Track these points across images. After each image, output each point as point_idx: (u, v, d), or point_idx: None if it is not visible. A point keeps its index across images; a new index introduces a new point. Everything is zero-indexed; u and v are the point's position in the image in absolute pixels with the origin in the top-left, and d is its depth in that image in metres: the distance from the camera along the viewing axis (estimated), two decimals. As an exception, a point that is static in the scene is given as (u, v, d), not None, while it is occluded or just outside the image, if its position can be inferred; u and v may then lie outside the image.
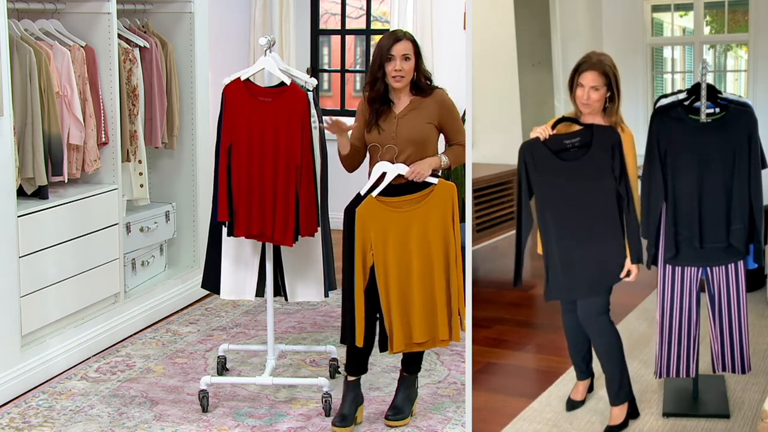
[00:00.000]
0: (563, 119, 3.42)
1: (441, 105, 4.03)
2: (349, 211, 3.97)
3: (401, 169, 3.95)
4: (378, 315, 3.98)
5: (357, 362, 4.07)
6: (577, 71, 3.38)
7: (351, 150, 4.06)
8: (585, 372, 3.56)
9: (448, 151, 4.08)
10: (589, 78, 3.36)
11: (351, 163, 4.11)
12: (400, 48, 3.92)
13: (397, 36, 3.96)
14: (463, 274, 3.93)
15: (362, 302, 3.94)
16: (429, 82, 4.04)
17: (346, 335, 4.03)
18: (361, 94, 4.14)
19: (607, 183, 3.38)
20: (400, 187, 3.96)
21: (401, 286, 3.95)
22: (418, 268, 3.95)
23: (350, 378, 4.10)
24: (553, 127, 3.40)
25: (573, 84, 3.40)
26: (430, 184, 3.98)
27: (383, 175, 3.96)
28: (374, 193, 3.95)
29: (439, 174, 4.05)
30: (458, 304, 3.97)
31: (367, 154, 4.12)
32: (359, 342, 3.95)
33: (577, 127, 3.40)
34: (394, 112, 4.00)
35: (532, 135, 3.41)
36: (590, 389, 3.58)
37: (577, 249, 3.43)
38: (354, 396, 4.07)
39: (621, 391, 3.48)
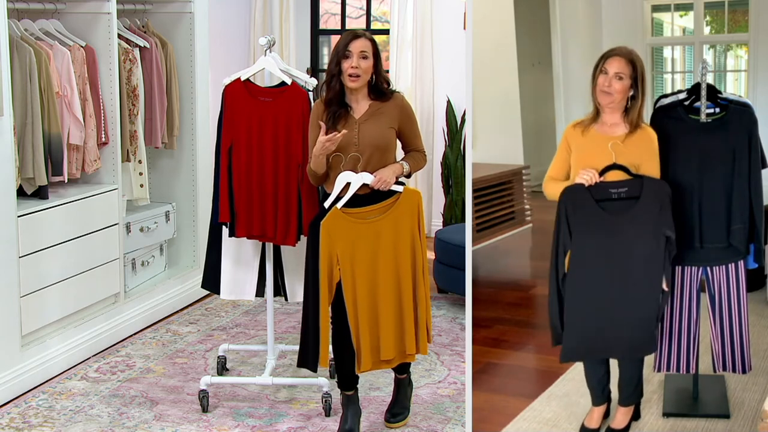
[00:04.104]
0: (613, 166, 3.25)
1: (402, 110, 3.87)
2: (313, 225, 3.79)
3: (366, 178, 3.76)
4: (347, 330, 3.84)
5: (349, 377, 3.96)
6: (603, 58, 3.25)
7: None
8: (601, 396, 3.48)
9: (407, 157, 3.92)
10: (615, 64, 3.23)
11: (321, 179, 3.89)
12: (358, 45, 3.73)
13: (355, 34, 3.77)
14: (429, 282, 3.91)
15: (327, 321, 3.81)
16: (387, 85, 3.87)
17: (308, 359, 3.85)
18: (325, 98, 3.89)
19: (652, 244, 3.25)
20: (364, 197, 3.79)
21: (370, 301, 3.81)
22: (386, 282, 3.81)
23: (347, 393, 4.01)
24: (601, 174, 3.26)
25: (595, 75, 3.27)
26: (395, 192, 3.82)
27: (347, 185, 3.77)
28: (339, 205, 3.76)
29: (402, 181, 3.90)
30: (425, 316, 3.90)
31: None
32: (323, 363, 3.82)
33: (623, 176, 3.24)
34: (353, 117, 3.80)
35: (578, 180, 3.26)
36: (606, 415, 3.50)
37: (609, 308, 3.31)
38: (355, 409, 4.01)
39: (635, 393, 3.47)
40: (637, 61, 3.25)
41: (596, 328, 3.34)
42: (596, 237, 3.29)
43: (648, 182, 3.26)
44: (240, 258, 4.36)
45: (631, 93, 3.26)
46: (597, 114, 3.32)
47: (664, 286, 3.30)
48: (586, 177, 3.25)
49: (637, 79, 3.24)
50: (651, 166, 3.29)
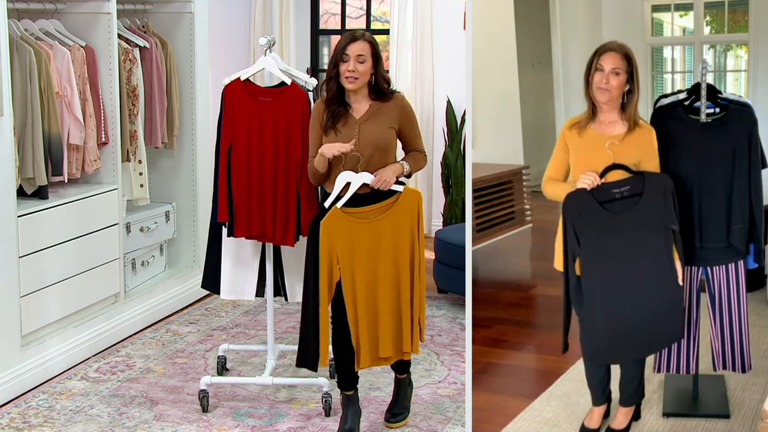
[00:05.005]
0: (613, 166, 3.24)
1: (402, 110, 3.88)
2: (313, 225, 3.78)
3: (366, 178, 3.76)
4: (347, 329, 3.85)
5: (349, 376, 3.96)
6: (596, 54, 3.23)
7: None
8: (602, 397, 3.47)
9: (407, 157, 3.93)
10: (609, 60, 3.21)
11: (321, 178, 3.89)
12: (355, 48, 3.74)
13: (354, 36, 3.77)
14: (425, 281, 3.91)
15: (327, 321, 3.82)
16: (388, 86, 3.88)
17: (307, 358, 3.86)
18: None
19: (660, 238, 3.23)
20: (364, 197, 3.80)
21: (369, 300, 3.82)
22: (386, 281, 3.82)
23: (347, 393, 4.01)
24: (602, 175, 3.24)
25: (590, 73, 3.24)
26: (395, 191, 3.82)
27: (347, 185, 3.77)
28: (339, 205, 3.76)
29: (402, 180, 3.91)
30: (419, 314, 3.90)
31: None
32: (323, 363, 3.83)
33: (623, 174, 3.23)
34: (353, 117, 3.81)
35: (579, 185, 3.24)
36: (606, 415, 3.50)
37: (627, 308, 3.29)
38: (355, 409, 4.01)
39: (636, 393, 3.46)
40: (631, 55, 3.23)
41: (621, 329, 3.31)
42: (605, 239, 3.27)
43: (650, 177, 3.25)
44: (240, 258, 4.37)
45: (627, 88, 3.25)
46: (593, 112, 3.31)
47: (680, 281, 3.26)
48: (587, 181, 3.23)
49: (632, 74, 3.23)
50: (651, 165, 3.28)
